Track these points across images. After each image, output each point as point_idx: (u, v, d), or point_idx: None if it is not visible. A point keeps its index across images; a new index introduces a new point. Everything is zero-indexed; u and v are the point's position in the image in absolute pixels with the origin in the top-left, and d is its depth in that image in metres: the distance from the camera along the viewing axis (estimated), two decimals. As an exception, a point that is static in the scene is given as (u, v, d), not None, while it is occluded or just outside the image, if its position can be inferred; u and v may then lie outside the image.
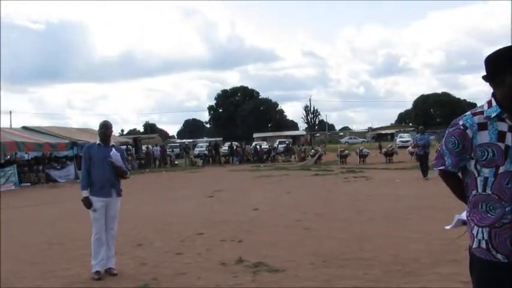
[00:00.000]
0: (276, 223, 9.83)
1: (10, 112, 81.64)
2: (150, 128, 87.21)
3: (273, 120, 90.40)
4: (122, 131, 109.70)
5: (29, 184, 23.56)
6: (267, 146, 45.61)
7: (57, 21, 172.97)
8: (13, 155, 28.39)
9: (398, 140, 56.95)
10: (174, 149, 49.91)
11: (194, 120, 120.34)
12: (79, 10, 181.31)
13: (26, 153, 29.16)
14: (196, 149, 51.24)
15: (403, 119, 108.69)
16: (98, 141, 6.57)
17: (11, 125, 51.47)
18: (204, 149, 44.88)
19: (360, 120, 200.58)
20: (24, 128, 30.03)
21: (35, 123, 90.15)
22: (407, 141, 50.29)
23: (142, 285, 5.78)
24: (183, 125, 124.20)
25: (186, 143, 61.73)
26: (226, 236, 8.59)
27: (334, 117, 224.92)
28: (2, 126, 29.98)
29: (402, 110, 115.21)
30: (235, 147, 40.71)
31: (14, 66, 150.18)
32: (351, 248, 7.31)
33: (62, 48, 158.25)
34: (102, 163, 6.37)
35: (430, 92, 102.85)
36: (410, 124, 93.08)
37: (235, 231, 9.10)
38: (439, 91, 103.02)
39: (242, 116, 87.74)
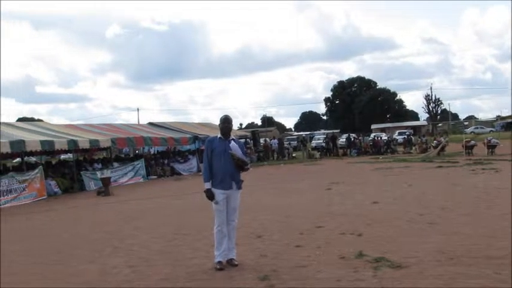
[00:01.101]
0: (397, 217, 9.52)
1: (138, 109, 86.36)
2: (267, 121, 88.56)
3: (391, 111, 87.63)
4: (241, 124, 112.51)
5: (155, 177, 24.84)
6: (386, 137, 44.38)
7: (179, 21, 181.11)
8: (141, 150, 30.15)
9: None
10: (292, 142, 50.13)
11: (311, 112, 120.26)
12: (198, 10, 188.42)
13: (153, 147, 30.88)
14: (313, 142, 51.10)
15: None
16: (218, 135, 6.73)
17: (138, 121, 54.84)
18: (322, 141, 44.62)
19: (487, 108, 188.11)
20: (151, 123, 31.79)
21: (160, 119, 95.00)
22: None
23: (262, 277, 5.85)
24: (300, 117, 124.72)
25: (303, 135, 61.80)
26: (346, 230, 8.47)
27: (457, 106, 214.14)
28: (130, 122, 31.87)
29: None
30: (352, 139, 40.07)
31: (141, 66, 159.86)
32: (479, 245, 6.88)
33: (184, 47, 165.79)
34: (222, 156, 6.51)
35: None
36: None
37: (355, 224, 8.94)
38: None
39: (359, 107, 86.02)
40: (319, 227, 8.91)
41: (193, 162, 27.99)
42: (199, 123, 36.95)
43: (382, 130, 66.23)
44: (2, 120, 22.33)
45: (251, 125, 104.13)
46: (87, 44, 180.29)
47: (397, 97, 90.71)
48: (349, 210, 10.65)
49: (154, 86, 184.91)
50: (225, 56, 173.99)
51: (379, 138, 41.86)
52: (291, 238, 8.08)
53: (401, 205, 11.08)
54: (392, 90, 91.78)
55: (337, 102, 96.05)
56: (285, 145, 40.99)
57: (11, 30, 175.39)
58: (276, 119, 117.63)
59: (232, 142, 6.61)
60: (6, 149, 17.26)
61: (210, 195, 6.51)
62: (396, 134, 53.89)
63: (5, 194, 16.44)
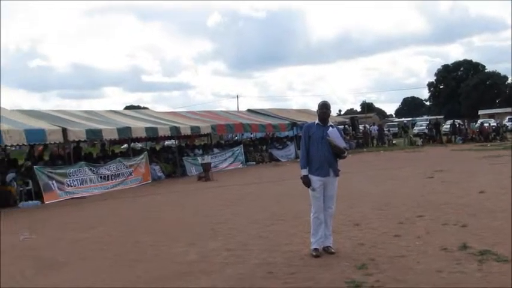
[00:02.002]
0: (504, 208, 8.93)
1: (237, 96, 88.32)
2: (367, 107, 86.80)
3: (502, 95, 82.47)
4: (340, 111, 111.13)
5: (254, 163, 25.18)
6: (495, 124, 41.96)
7: (278, 8, 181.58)
8: (240, 136, 30.69)
9: None
10: (392, 128, 48.85)
11: (413, 98, 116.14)
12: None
13: (251, 134, 31.32)
14: (415, 128, 49.50)
15: None
16: (316, 121, 6.67)
17: (238, 108, 55.71)
18: (424, 127, 43.09)
19: None
20: (249, 110, 32.23)
21: (259, 105, 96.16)
22: None
23: (359, 265, 5.76)
24: (401, 103, 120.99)
25: (405, 121, 60.03)
26: (449, 220, 8.13)
27: None
28: (230, 109, 32.51)
29: None
30: (457, 125, 38.23)
31: (240, 53, 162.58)
32: None
33: (283, 34, 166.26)
34: (320, 142, 6.46)
35: None
36: None
37: (459, 214, 8.55)
38: None
39: (466, 92, 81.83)
40: (420, 216, 8.62)
41: (291, 148, 28.05)
42: (297, 110, 36.93)
43: (491, 116, 62.55)
44: (111, 108, 23.48)
45: (350, 111, 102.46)
46: (189, 33, 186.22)
47: (508, 81, 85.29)
48: (453, 200, 10.18)
49: (254, 73, 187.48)
50: (324, 42, 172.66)
51: (487, 125, 39.66)
52: (390, 227, 7.88)
53: (509, 195, 10.42)
54: (503, 74, 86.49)
55: (441, 87, 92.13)
56: (385, 131, 39.99)
57: (119, 23, 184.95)
58: (376, 105, 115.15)
59: (331, 128, 6.53)
60: (114, 136, 18.27)
61: (307, 182, 6.49)
62: (506, 120, 50.77)
63: (113, 177, 17.40)
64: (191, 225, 9.33)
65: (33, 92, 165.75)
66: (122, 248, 7.80)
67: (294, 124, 28.40)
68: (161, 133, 20.29)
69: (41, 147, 21.93)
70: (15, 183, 14.74)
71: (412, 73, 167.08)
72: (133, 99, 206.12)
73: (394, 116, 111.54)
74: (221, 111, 30.96)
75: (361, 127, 41.19)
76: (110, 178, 17.26)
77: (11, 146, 16.48)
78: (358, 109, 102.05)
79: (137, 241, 8.22)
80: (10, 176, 14.96)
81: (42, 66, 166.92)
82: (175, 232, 8.79)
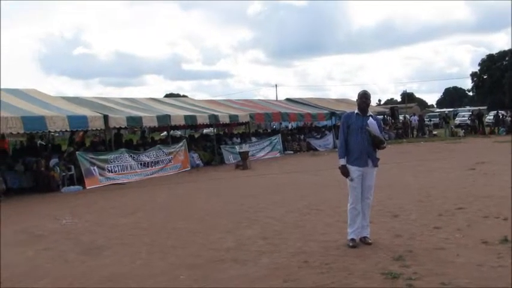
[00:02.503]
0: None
1: (276, 85, 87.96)
2: (407, 97, 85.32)
3: (549, 86, 79.71)
4: (379, 100, 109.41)
5: (291, 152, 25.14)
6: (540, 115, 40.70)
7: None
8: (278, 125, 30.65)
9: None
10: (433, 119, 47.95)
11: (455, 88, 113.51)
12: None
13: (289, 123, 31.25)
14: (457, 119, 48.48)
15: None
16: (356, 111, 6.59)
17: (276, 97, 55.73)
18: (466, 118, 42.17)
19: None
20: (288, 99, 32.17)
21: (297, 95, 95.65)
22: None
23: (397, 257, 5.69)
24: (443, 93, 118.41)
25: (446, 112, 58.84)
26: (490, 213, 7.94)
27: None
28: (269, 98, 32.51)
29: None
30: (501, 116, 37.25)
31: (280, 42, 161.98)
32: None
33: (323, 23, 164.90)
34: (359, 132, 6.38)
35: None
36: None
37: (500, 207, 8.33)
38: None
39: (510, 83, 79.48)
40: (460, 208, 8.45)
41: (330, 138, 27.87)
42: (336, 99, 36.66)
43: (536, 107, 60.67)
44: (151, 96, 23.81)
45: (390, 101, 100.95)
46: (229, 22, 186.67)
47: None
48: (495, 192, 9.92)
49: (293, 61, 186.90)
50: (365, 31, 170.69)
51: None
52: (429, 219, 7.75)
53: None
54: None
55: (485, 77, 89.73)
56: (426, 122, 39.28)
57: (161, 12, 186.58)
58: (417, 95, 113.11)
59: (370, 118, 6.44)
60: (154, 123, 18.50)
61: (345, 172, 6.43)
62: (554, 111, 49.12)
63: (153, 164, 17.65)
64: (228, 213, 9.39)
65: (77, 80, 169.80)
66: (160, 234, 7.92)
67: (332, 113, 28.24)
68: (200, 121, 20.46)
69: (81, 134, 22.42)
70: (58, 168, 15.12)
71: (455, 63, 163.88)
72: (173, 87, 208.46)
73: (435, 106, 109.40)
74: (259, 100, 31.04)
75: (401, 117, 40.61)
76: (149, 165, 17.51)
77: (55, 132, 16.87)
78: (399, 99, 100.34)
79: (175, 227, 8.34)
80: (53, 161, 15.38)
81: (85, 53, 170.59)
82: (212, 219, 8.87)
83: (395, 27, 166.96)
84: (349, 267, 5.46)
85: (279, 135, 25.42)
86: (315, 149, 26.29)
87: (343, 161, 6.45)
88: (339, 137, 6.67)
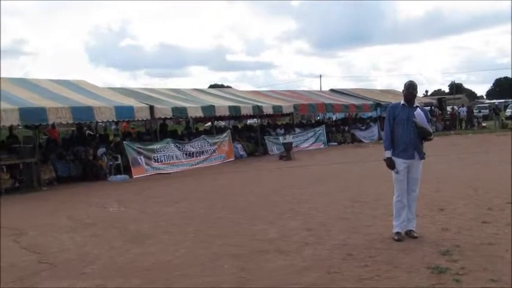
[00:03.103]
0: None
1: (320, 76, 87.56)
2: (456, 88, 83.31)
3: None
4: (426, 91, 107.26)
5: (335, 143, 24.94)
6: None
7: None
8: (322, 116, 30.42)
9: None
10: (482, 110, 46.67)
11: (506, 78, 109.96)
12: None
13: (334, 114, 30.97)
14: (508, 110, 46.93)
15: None
16: (402, 102, 6.45)
17: (320, 88, 55.30)
18: (518, 110, 40.85)
19: None
20: (332, 90, 31.86)
21: (342, 85, 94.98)
22: None
23: (443, 251, 5.57)
24: (493, 84, 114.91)
25: (496, 103, 56.99)
26: (542, 208, 7.67)
27: None
28: (313, 89, 32.29)
29: None
30: (555, 108, 35.95)
31: (325, 33, 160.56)
32: None
33: (369, 13, 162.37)
34: (406, 124, 6.25)
35: None
36: None
37: (554, 203, 8.04)
38: None
39: None
40: (511, 203, 8.19)
41: (375, 129, 27.50)
42: (381, 90, 36.12)
43: None
44: (196, 87, 24.03)
45: (437, 92, 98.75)
46: (273, 13, 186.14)
47: None
48: (548, 187, 9.59)
49: (338, 52, 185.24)
50: (412, 21, 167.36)
51: None
52: (478, 213, 7.55)
53: None
54: None
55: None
56: (475, 113, 38.24)
57: (206, 3, 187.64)
58: (466, 85, 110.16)
59: (417, 109, 6.30)
60: (199, 114, 18.67)
61: (391, 164, 6.32)
62: None
63: (197, 154, 17.85)
64: (271, 204, 9.40)
65: (123, 71, 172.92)
66: (203, 223, 8.00)
67: (377, 105, 27.82)
68: (244, 112, 20.52)
69: (125, 124, 22.85)
70: (105, 157, 15.49)
71: (505, 52, 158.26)
72: (217, 78, 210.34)
73: (485, 97, 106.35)
74: (303, 90, 30.81)
75: (448, 108, 39.66)
76: (194, 155, 17.71)
77: (102, 122, 17.26)
78: (446, 90, 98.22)
79: (218, 217, 8.41)
80: (101, 150, 15.75)
81: (132, 45, 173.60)
82: (255, 210, 8.90)
83: (443, 16, 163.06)
84: (393, 261, 5.38)
85: (323, 126, 25.24)
86: (360, 141, 26.00)
87: (388, 153, 6.34)
88: (385, 128, 6.54)
